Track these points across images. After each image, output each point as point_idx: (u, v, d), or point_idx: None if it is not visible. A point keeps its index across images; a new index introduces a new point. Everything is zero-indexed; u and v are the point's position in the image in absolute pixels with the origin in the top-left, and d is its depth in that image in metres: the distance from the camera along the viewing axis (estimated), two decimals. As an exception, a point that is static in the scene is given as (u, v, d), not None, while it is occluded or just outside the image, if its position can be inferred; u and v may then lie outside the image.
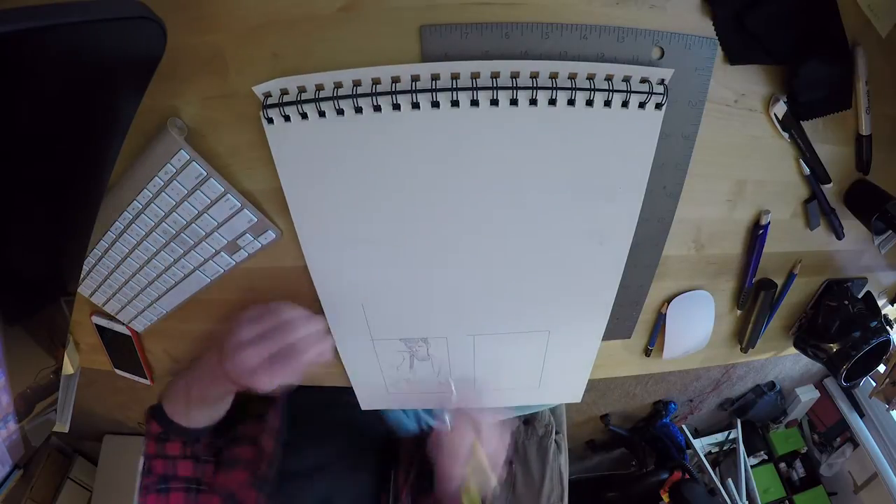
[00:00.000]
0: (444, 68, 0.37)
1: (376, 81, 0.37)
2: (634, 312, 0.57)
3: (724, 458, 2.20)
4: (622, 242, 0.47)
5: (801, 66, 0.41)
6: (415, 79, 0.37)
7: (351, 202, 0.43)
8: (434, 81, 0.37)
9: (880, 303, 0.66)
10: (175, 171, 0.42)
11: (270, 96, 0.38)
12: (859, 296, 0.62)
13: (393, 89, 0.37)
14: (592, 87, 0.38)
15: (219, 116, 0.41)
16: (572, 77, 0.38)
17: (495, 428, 0.56)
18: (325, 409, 0.65)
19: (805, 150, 0.47)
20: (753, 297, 0.59)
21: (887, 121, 0.48)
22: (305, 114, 0.38)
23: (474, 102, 0.38)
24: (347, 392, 0.61)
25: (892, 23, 0.43)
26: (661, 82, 0.39)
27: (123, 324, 0.60)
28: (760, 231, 0.52)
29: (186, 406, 0.52)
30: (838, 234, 0.55)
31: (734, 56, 0.41)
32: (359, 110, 0.38)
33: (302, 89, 0.38)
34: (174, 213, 0.46)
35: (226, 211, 0.45)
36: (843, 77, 0.44)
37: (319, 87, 0.38)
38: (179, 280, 0.52)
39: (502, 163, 0.41)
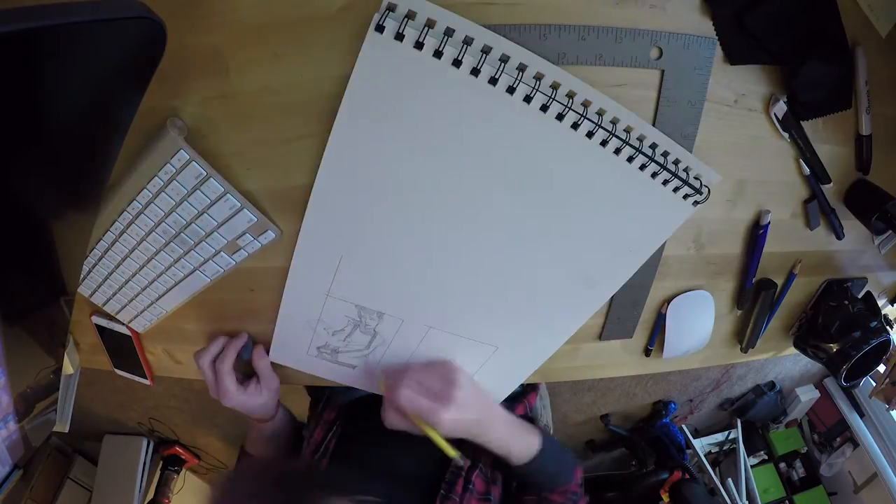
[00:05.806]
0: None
1: (487, 50, 0.36)
2: (635, 312, 0.57)
3: (724, 458, 2.20)
4: (605, 291, 0.51)
5: (801, 66, 0.42)
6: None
7: (392, 146, 0.41)
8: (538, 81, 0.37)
9: (880, 303, 0.66)
10: (175, 170, 0.42)
11: (393, 9, 0.35)
12: (859, 296, 0.62)
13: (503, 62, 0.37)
14: (652, 155, 0.41)
15: (219, 116, 0.41)
16: (641, 139, 0.41)
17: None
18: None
19: (805, 150, 0.47)
20: (753, 297, 0.59)
21: (887, 121, 0.48)
22: (422, 43, 0.35)
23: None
24: None
25: (892, 23, 0.43)
26: (703, 184, 0.43)
27: (123, 324, 0.60)
28: (760, 231, 0.52)
29: (255, 443, 0.68)
30: (838, 234, 0.55)
31: (734, 56, 0.41)
32: (458, 63, 0.36)
33: (431, 22, 0.35)
34: (174, 213, 0.46)
35: (226, 211, 0.45)
36: (843, 77, 0.44)
37: (448, 30, 0.35)
38: (179, 280, 0.52)
39: (526, 169, 0.42)
